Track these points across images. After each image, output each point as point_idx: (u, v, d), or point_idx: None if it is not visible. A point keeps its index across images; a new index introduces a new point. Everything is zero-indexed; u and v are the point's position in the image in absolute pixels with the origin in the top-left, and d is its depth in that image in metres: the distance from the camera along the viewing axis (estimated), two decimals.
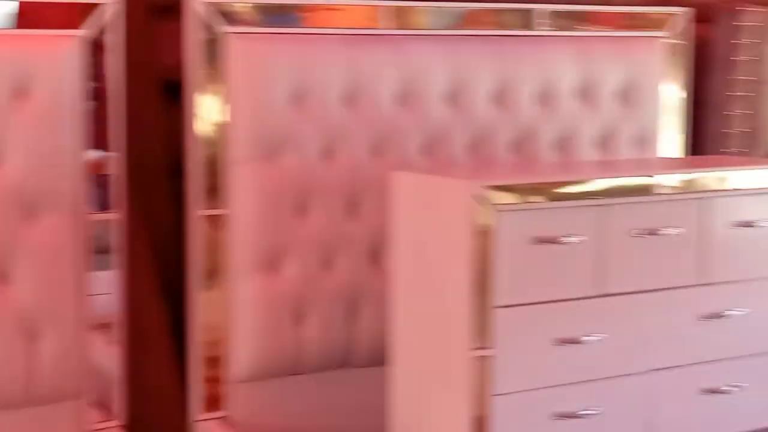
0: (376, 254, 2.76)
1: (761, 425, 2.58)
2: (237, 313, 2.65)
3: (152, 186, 2.87)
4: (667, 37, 3.15)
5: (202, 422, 2.64)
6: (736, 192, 2.52)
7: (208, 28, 2.57)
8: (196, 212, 2.60)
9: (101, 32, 2.46)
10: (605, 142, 3.05)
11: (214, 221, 2.62)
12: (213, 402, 2.66)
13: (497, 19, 2.93)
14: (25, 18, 2.39)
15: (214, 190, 2.61)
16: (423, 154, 2.81)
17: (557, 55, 2.97)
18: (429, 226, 2.37)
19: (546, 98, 2.95)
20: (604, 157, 3.05)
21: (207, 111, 2.59)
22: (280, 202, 2.64)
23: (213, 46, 2.58)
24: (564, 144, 2.98)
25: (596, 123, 3.03)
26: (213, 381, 2.66)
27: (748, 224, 2.53)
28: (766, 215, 2.56)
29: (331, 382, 2.76)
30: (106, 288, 2.53)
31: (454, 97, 2.83)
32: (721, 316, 2.51)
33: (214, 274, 2.63)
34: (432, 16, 2.84)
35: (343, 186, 2.71)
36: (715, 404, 2.52)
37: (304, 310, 2.70)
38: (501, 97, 2.89)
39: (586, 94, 3.02)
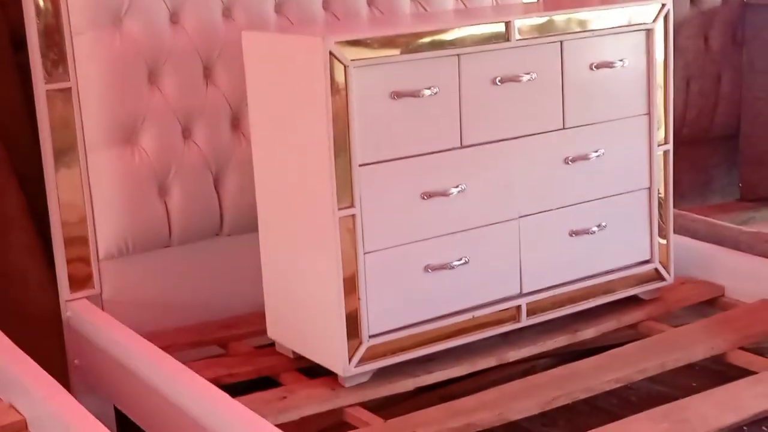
0: (236, 120, 2.69)
1: (625, 263, 2.64)
2: (96, 189, 2.57)
3: None
4: None
5: (71, 302, 2.59)
6: (594, 33, 2.50)
7: None
8: (42, 87, 2.48)
9: None
10: None
11: (62, 95, 2.49)
12: (81, 282, 2.60)
13: None
14: None
15: (58, 63, 2.48)
16: (278, 13, 2.72)
17: None
18: (285, 87, 2.31)
19: None
20: (461, 6, 3.00)
21: None
22: (128, 71, 2.53)
23: None
24: None
25: None
26: (79, 261, 2.60)
27: (606, 65, 2.53)
28: (624, 55, 2.56)
29: (201, 252, 2.72)
30: None
31: None
32: (585, 159, 2.53)
33: (68, 151, 2.53)
34: None
35: (195, 51, 2.61)
36: (582, 245, 2.57)
37: (167, 181, 2.63)
38: None
39: None
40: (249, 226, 2.61)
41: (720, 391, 2.22)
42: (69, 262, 2.58)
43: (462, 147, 2.36)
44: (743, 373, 2.34)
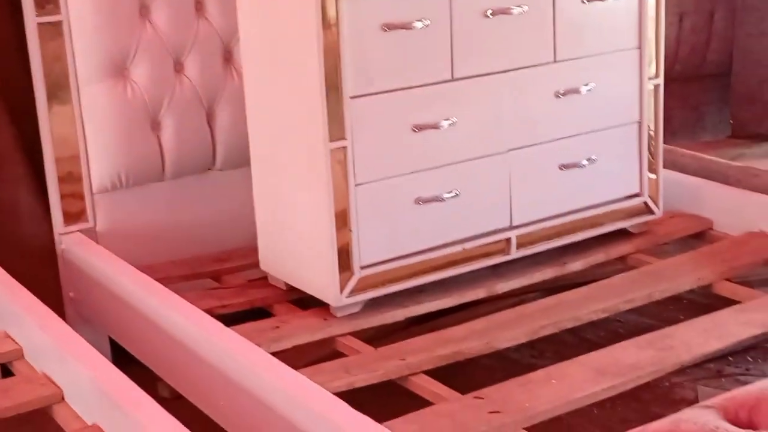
0: (227, 54, 2.69)
1: (614, 197, 2.67)
2: (89, 124, 2.58)
3: None
4: None
5: (65, 235, 2.61)
6: None
7: None
8: (33, 20, 2.48)
9: None
10: None
11: (53, 29, 2.49)
12: (75, 215, 2.63)
13: None
14: None
15: None
16: None
17: None
18: (276, 21, 2.31)
19: None
20: None
21: None
22: (120, 3, 2.54)
23: None
24: None
25: None
26: (73, 194, 2.62)
27: None
28: None
29: (193, 186, 2.75)
30: None
31: None
32: (576, 92, 2.54)
33: (60, 85, 2.54)
34: None
35: None
36: (572, 179, 2.58)
37: (159, 115, 2.65)
38: None
39: None
40: (242, 160, 2.63)
41: (705, 319, 2.25)
42: (63, 196, 2.60)
43: (453, 80, 2.37)
44: (729, 303, 2.37)
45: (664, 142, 2.83)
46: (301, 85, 2.26)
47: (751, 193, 2.80)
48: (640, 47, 2.63)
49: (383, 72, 2.27)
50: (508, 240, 2.51)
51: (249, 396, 1.91)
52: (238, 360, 1.96)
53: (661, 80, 2.68)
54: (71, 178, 2.60)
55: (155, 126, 2.65)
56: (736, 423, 1.16)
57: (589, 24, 2.54)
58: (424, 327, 2.52)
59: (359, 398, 2.00)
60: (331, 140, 2.23)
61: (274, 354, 2.09)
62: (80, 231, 2.63)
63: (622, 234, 2.72)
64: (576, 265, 2.62)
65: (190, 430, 1.71)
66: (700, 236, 2.79)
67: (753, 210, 2.75)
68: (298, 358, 2.21)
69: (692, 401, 2.25)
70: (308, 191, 2.32)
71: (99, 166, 2.61)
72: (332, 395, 1.84)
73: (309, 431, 1.76)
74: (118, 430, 1.78)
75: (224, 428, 2.04)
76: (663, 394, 2.33)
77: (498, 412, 1.91)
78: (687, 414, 1.18)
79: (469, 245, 2.45)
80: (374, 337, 2.40)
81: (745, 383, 2.22)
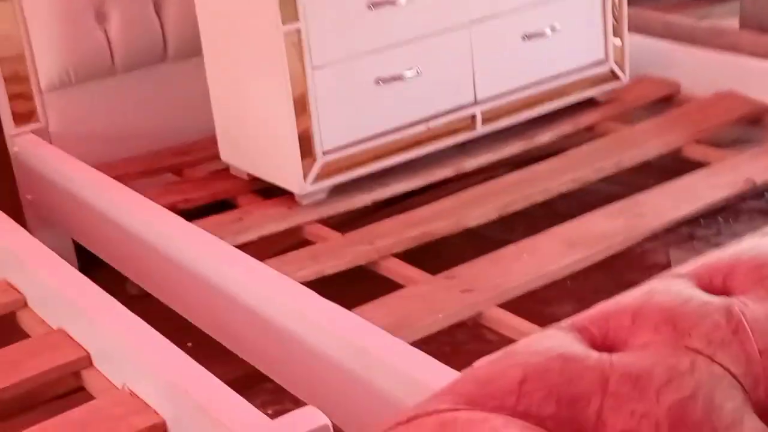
0: None
1: (579, 64, 2.60)
2: (32, 20, 2.48)
3: None
4: None
5: (17, 137, 2.53)
6: None
7: None
8: None
9: None
10: None
11: None
12: (25, 116, 2.54)
13: None
14: None
15: None
16: None
17: None
18: None
19: None
20: None
21: None
22: None
23: None
24: None
25: None
26: (21, 94, 2.53)
27: None
28: None
29: (147, 79, 2.65)
30: None
31: None
32: None
33: None
34: None
35: None
36: (536, 49, 2.51)
37: (104, 7, 2.54)
38: None
39: None
40: (195, 49, 2.53)
41: (675, 184, 2.22)
42: (11, 96, 2.51)
43: None
44: (699, 166, 2.34)
45: (632, 4, 2.75)
46: None
47: (718, 53, 2.74)
48: None
49: None
50: (474, 116, 2.45)
51: (215, 290, 1.87)
52: (201, 254, 1.92)
53: None
54: (18, 78, 2.51)
55: (101, 17, 2.54)
56: (710, 290, 1.12)
57: None
58: (393, 210, 2.48)
59: (329, 286, 1.97)
60: (284, 23, 2.14)
61: (239, 246, 2.05)
62: (32, 132, 2.55)
63: (589, 103, 2.67)
64: (544, 137, 2.57)
65: (159, 327, 1.68)
66: (668, 100, 2.74)
67: (720, 70, 2.69)
68: (265, 249, 2.17)
69: (665, 266, 2.24)
70: (264, 78, 2.24)
71: (45, 64, 2.51)
72: (299, 284, 1.80)
73: (277, 322, 1.73)
74: (84, 333, 1.74)
75: (193, 323, 2.01)
76: (636, 261, 2.31)
77: (470, 290, 1.89)
78: (660, 284, 1.14)
79: (433, 123, 2.39)
80: (342, 224, 2.36)
81: (717, 245, 2.22)
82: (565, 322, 1.13)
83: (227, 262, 1.89)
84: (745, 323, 1.06)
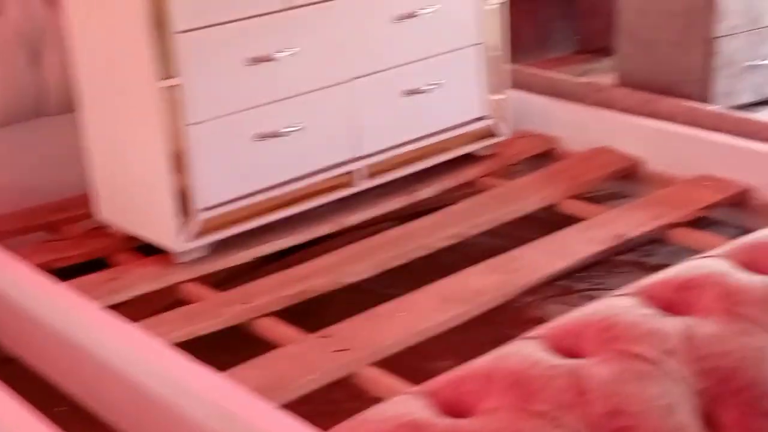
0: None
1: (460, 120, 2.64)
2: None
3: None
4: None
5: None
6: None
7: None
8: None
9: None
10: None
11: None
12: None
13: None
14: None
15: None
16: None
17: None
18: None
19: None
20: None
21: None
22: None
23: None
24: None
25: None
26: None
27: None
28: None
29: (23, 134, 2.60)
30: None
31: None
32: (413, 16, 2.48)
33: None
34: None
35: None
36: (416, 105, 2.54)
37: None
38: None
39: None
40: (69, 105, 2.48)
41: (550, 239, 2.26)
42: None
43: (288, 8, 2.28)
44: (575, 221, 2.38)
45: (514, 61, 2.81)
46: (126, 22, 2.13)
47: (595, 109, 2.80)
48: None
49: (213, 3, 2.17)
50: (355, 172, 2.45)
51: (82, 353, 1.82)
52: (69, 316, 1.87)
53: None
54: None
55: None
56: (560, 352, 1.13)
57: None
58: (273, 267, 2.46)
59: (203, 347, 1.93)
60: (160, 79, 2.12)
61: (113, 306, 2.00)
62: None
63: (470, 158, 2.70)
64: (426, 192, 2.59)
65: (25, 393, 1.62)
66: (547, 155, 2.79)
67: (597, 125, 2.76)
68: (140, 309, 2.12)
69: (542, 320, 2.26)
70: (141, 134, 2.21)
71: None
72: (169, 347, 1.77)
73: (146, 386, 1.69)
74: None
75: (63, 389, 1.95)
76: (513, 315, 2.33)
77: (345, 349, 1.87)
78: (512, 346, 1.15)
79: (314, 179, 2.39)
80: (221, 282, 2.33)
81: (593, 298, 2.25)
82: (422, 386, 1.13)
83: (95, 324, 1.84)
84: (591, 386, 1.07)
